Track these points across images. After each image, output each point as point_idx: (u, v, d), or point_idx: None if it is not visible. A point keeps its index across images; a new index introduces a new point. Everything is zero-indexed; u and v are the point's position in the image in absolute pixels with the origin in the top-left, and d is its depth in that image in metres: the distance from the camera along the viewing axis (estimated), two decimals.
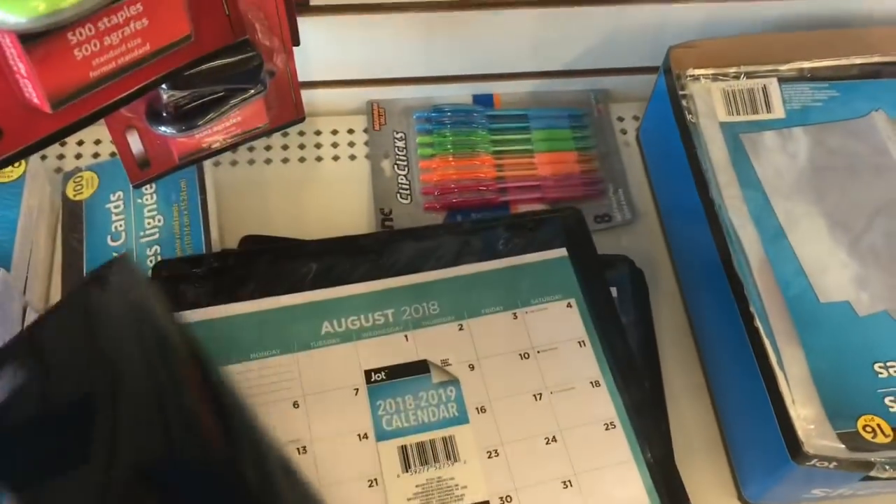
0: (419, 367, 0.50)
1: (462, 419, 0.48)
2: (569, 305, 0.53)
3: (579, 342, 0.51)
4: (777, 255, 0.53)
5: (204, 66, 0.39)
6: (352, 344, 0.50)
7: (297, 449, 0.47)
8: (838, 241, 0.54)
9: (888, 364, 0.50)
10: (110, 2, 0.26)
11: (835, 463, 0.44)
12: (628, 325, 0.55)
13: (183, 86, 0.40)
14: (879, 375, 0.49)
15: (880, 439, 0.47)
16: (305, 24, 0.58)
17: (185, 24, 0.30)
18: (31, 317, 0.53)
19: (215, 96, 0.42)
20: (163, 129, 0.42)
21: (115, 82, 0.29)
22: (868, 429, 0.47)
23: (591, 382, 0.50)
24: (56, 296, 0.55)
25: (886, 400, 0.48)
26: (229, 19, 0.32)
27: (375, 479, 0.46)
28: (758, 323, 0.49)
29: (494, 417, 0.48)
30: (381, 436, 0.48)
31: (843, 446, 0.45)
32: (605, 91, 0.67)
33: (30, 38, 0.26)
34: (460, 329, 0.51)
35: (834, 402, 0.48)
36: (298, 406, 0.48)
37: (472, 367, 0.50)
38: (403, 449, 0.47)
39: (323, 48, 0.61)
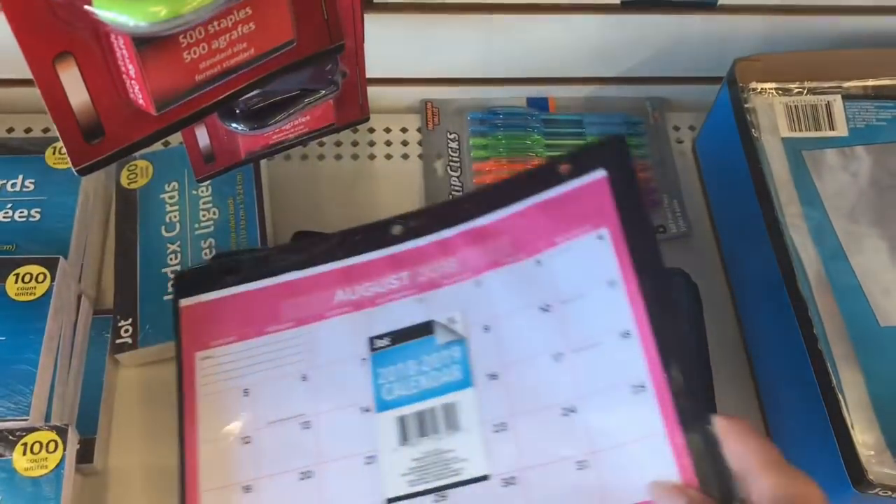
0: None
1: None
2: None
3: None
4: (837, 276, 0.53)
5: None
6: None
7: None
8: None
9: None
10: (226, 5, 0.26)
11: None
12: None
13: (262, 85, 0.39)
14: None
15: None
16: (366, 22, 0.58)
17: (290, 29, 0.30)
18: (85, 306, 0.52)
19: (289, 95, 0.42)
20: (234, 125, 0.42)
21: (217, 85, 0.29)
22: None
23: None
24: (108, 285, 0.54)
25: None
26: (327, 24, 0.32)
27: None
28: (821, 346, 0.49)
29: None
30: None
31: None
32: (662, 99, 0.66)
33: (143, 41, 0.25)
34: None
35: (894, 430, 0.47)
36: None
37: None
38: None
39: (381, 46, 0.60)
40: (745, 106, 0.58)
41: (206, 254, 0.54)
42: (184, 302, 0.49)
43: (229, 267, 0.49)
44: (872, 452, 0.46)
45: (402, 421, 0.44)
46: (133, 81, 0.28)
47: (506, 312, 0.45)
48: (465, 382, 0.44)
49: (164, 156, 0.59)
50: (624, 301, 0.42)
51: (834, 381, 0.48)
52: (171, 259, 0.55)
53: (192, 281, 0.49)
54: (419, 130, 0.65)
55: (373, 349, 0.46)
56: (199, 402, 0.47)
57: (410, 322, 0.46)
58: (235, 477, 0.44)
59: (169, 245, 0.55)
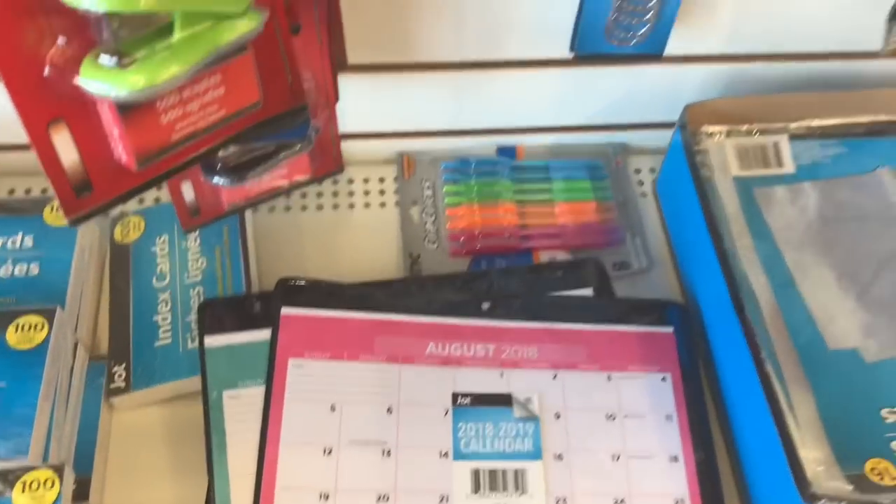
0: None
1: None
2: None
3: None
4: (787, 304, 0.56)
5: (259, 125, 0.43)
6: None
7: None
8: (846, 291, 0.57)
9: (894, 409, 0.52)
10: (200, 73, 0.30)
11: (843, 503, 0.46)
12: None
13: (238, 142, 0.43)
14: (886, 420, 0.52)
15: (887, 482, 0.49)
16: (343, 81, 0.62)
17: (256, 92, 0.33)
18: (81, 353, 0.56)
19: (265, 151, 0.46)
20: (216, 180, 0.46)
21: (192, 143, 0.33)
22: (875, 471, 0.49)
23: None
24: (103, 335, 0.58)
25: (893, 444, 0.50)
26: (291, 87, 0.36)
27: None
28: (769, 368, 0.52)
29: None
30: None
31: (850, 487, 0.47)
32: (624, 144, 0.71)
33: (125, 107, 0.29)
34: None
35: (842, 446, 0.50)
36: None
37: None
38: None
39: (358, 102, 0.65)
40: (697, 148, 0.62)
41: (193, 302, 0.58)
42: (285, 310, 0.54)
43: (333, 291, 0.55)
44: (822, 467, 0.49)
45: (476, 473, 0.51)
46: (117, 142, 0.31)
47: (576, 407, 0.54)
48: (536, 455, 0.52)
49: (156, 211, 0.63)
50: (676, 433, 0.54)
51: (785, 401, 0.51)
52: (161, 307, 0.58)
53: (295, 292, 0.54)
54: (396, 180, 0.69)
55: (455, 404, 0.53)
56: (286, 404, 0.51)
57: (490, 390, 0.54)
58: (314, 482, 0.49)
59: (160, 294, 0.59)
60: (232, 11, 0.29)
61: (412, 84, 0.64)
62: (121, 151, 0.31)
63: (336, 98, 0.54)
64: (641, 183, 0.70)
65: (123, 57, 0.28)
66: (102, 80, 0.28)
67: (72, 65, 0.28)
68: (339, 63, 0.59)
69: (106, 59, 0.28)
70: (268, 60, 0.34)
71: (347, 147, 0.69)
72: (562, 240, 0.65)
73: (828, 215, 0.61)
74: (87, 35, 0.28)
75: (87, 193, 0.32)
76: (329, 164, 0.52)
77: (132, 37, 0.28)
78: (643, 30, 0.54)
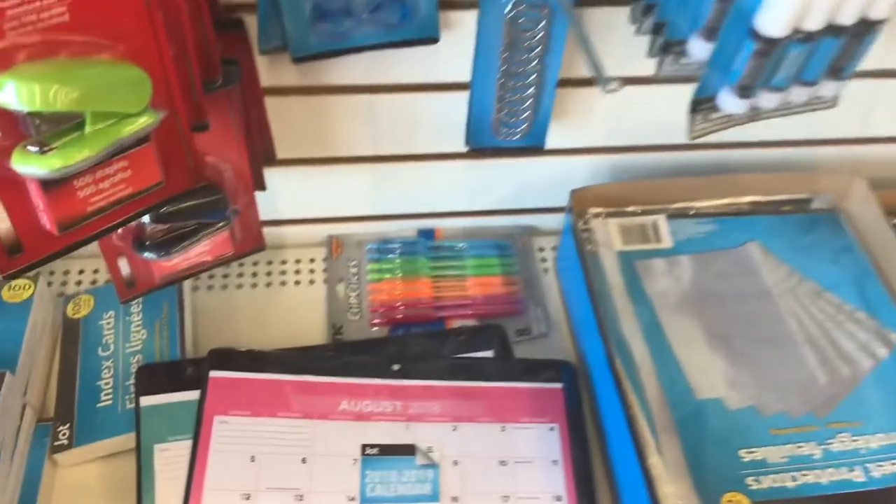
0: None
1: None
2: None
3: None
4: (661, 360, 0.63)
5: (181, 205, 0.51)
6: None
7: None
8: (714, 349, 0.65)
9: (751, 450, 0.59)
10: (106, 158, 0.38)
11: None
12: None
13: (162, 220, 0.52)
14: (743, 459, 0.59)
15: None
16: (274, 173, 0.71)
17: (158, 174, 0.42)
18: (29, 414, 0.62)
19: (188, 229, 0.54)
20: (146, 255, 0.54)
21: (105, 215, 0.41)
22: (731, 502, 0.56)
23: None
24: (52, 397, 0.64)
25: (748, 479, 0.57)
26: (191, 169, 0.44)
27: None
28: (639, 415, 0.59)
29: None
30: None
31: None
32: (530, 227, 0.79)
33: (48, 183, 0.37)
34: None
35: (703, 482, 0.57)
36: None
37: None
38: None
39: (289, 192, 0.74)
40: (584, 227, 0.71)
41: (134, 368, 0.65)
42: (214, 373, 0.61)
43: (258, 358, 0.62)
44: (681, 501, 0.55)
45: None
46: (42, 212, 0.39)
47: (472, 455, 0.61)
48: (434, 498, 0.58)
49: (104, 290, 0.70)
50: (561, 476, 0.61)
51: (653, 444, 0.58)
52: (104, 373, 0.65)
53: (223, 357, 0.61)
54: (324, 260, 0.77)
55: (364, 454, 0.59)
56: (210, 455, 0.57)
57: (396, 441, 0.60)
58: None
59: (104, 362, 0.66)
60: (132, 111, 0.38)
61: (337, 175, 0.73)
62: (45, 220, 0.39)
63: (261, 187, 0.62)
64: (545, 260, 0.78)
65: (45, 146, 0.37)
66: (28, 164, 0.37)
67: (6, 153, 0.36)
68: (267, 158, 0.68)
69: (31, 148, 0.36)
70: (170, 149, 0.42)
71: (282, 232, 0.78)
72: (471, 310, 0.72)
73: (701, 284, 0.69)
74: (18, 130, 0.36)
75: (18, 254, 0.40)
76: (251, 242, 0.60)
77: (53, 131, 0.37)
78: (523, 126, 0.63)
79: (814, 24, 0.42)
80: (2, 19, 0.33)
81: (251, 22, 0.57)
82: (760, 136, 0.74)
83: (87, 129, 0.37)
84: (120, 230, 0.53)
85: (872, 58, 0.65)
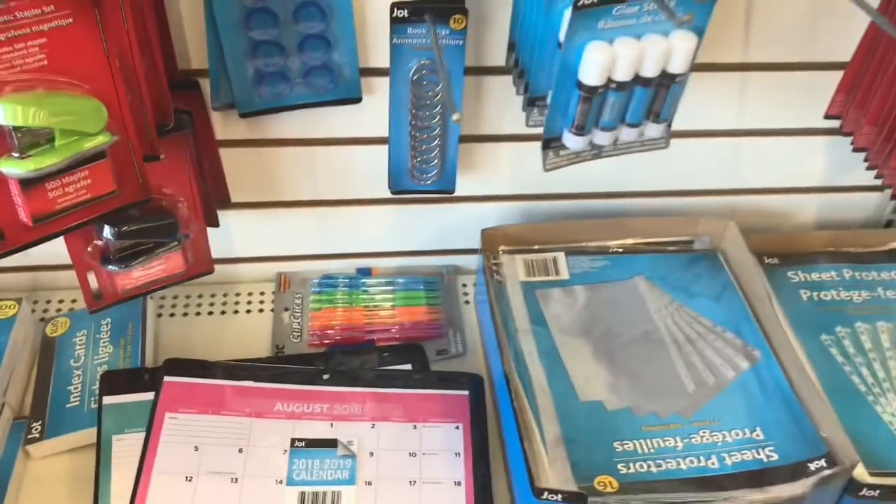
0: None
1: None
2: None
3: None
4: (553, 371, 0.74)
5: (140, 226, 0.63)
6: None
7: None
8: (598, 361, 0.76)
9: (623, 442, 0.69)
10: (71, 167, 0.50)
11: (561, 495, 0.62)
12: None
13: (124, 237, 0.64)
14: (616, 450, 0.69)
15: (609, 490, 0.65)
16: (229, 215, 0.84)
17: (112, 184, 0.54)
18: (7, 412, 0.73)
19: (146, 247, 0.66)
20: (110, 267, 0.66)
21: (69, 214, 0.53)
22: (601, 484, 0.66)
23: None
24: (29, 402, 0.75)
25: (619, 466, 0.67)
26: (141, 185, 0.56)
27: None
28: (527, 410, 0.69)
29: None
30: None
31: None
32: (455, 266, 0.91)
33: (26, 182, 0.50)
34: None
35: (580, 468, 0.67)
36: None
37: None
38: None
39: (243, 232, 0.86)
40: (495, 261, 0.82)
41: (98, 375, 0.76)
42: (168, 378, 0.71)
43: (207, 366, 0.73)
44: (559, 477, 0.65)
45: (302, 495, 0.67)
46: (20, 207, 0.51)
47: (386, 448, 0.71)
48: (351, 482, 0.69)
49: (79, 314, 0.82)
50: (461, 465, 0.70)
51: (538, 434, 0.68)
52: (74, 380, 0.76)
53: (178, 366, 0.72)
54: (273, 293, 0.89)
55: (293, 446, 0.70)
56: (160, 445, 0.68)
57: (322, 436, 0.71)
58: (176, 502, 0.65)
59: (74, 371, 0.77)
60: (92, 131, 0.50)
61: (284, 218, 0.85)
62: (22, 213, 0.51)
63: (214, 223, 0.75)
64: (467, 294, 0.90)
65: (23, 153, 0.49)
66: (10, 166, 0.49)
67: None
68: (222, 200, 0.80)
69: (14, 154, 0.49)
70: (123, 166, 0.54)
71: (237, 269, 0.89)
72: (397, 334, 0.84)
73: (591, 309, 0.80)
74: (5, 142, 0.49)
75: (1, 241, 0.51)
76: (202, 265, 0.72)
77: (30, 142, 0.49)
78: (434, 172, 0.76)
79: (622, 76, 0.55)
80: None
81: (207, 84, 0.70)
82: (649, 187, 0.87)
83: (57, 142, 0.49)
84: (89, 248, 0.65)
85: (742, 118, 0.80)
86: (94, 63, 0.50)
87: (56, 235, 0.53)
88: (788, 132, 0.83)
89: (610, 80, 0.56)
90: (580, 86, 0.56)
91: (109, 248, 0.65)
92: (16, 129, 0.48)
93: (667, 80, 0.56)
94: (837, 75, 0.76)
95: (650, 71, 0.55)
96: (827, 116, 0.80)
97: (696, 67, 0.74)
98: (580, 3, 0.51)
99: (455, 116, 0.55)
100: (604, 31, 0.54)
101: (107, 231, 0.62)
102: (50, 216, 0.52)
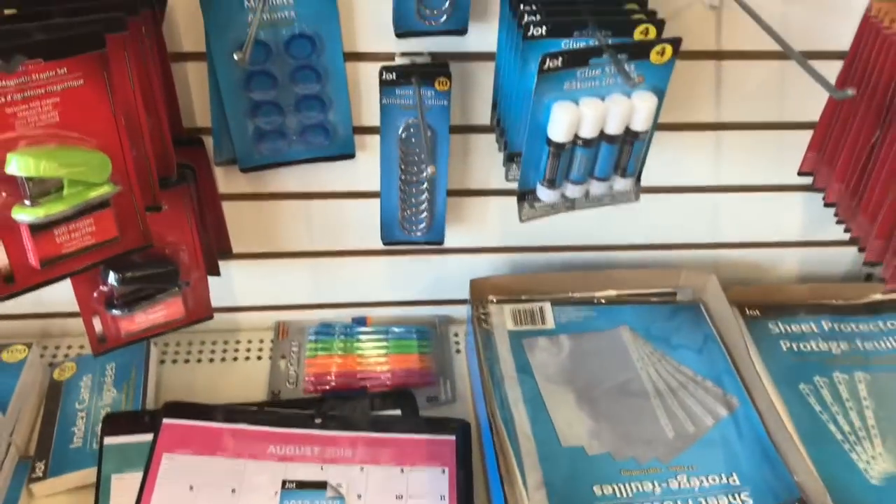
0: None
1: None
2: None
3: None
4: (536, 417, 0.77)
5: (142, 273, 0.68)
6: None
7: None
8: (581, 408, 0.78)
9: (603, 486, 0.72)
10: (78, 214, 0.55)
11: None
12: None
13: (127, 283, 0.68)
14: (595, 493, 0.71)
15: None
16: (230, 265, 0.88)
17: (115, 231, 0.58)
18: (12, 452, 0.76)
19: (147, 292, 0.70)
20: (113, 311, 0.70)
21: (74, 258, 0.57)
22: None
23: None
24: (35, 442, 0.78)
25: None
26: (142, 232, 0.60)
27: None
28: (510, 455, 0.72)
29: None
30: None
31: None
32: (447, 316, 0.95)
33: (35, 228, 0.54)
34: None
35: None
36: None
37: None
38: None
39: (244, 282, 0.90)
40: (483, 311, 0.86)
41: (102, 416, 0.79)
42: (167, 420, 0.74)
43: (204, 409, 0.76)
44: None
45: None
46: (29, 251, 0.56)
47: (374, 491, 0.73)
48: None
49: (85, 359, 0.86)
50: None
51: (520, 478, 0.71)
52: (78, 422, 0.79)
53: (176, 409, 0.75)
54: (272, 341, 0.92)
55: (283, 487, 0.73)
56: (156, 484, 0.71)
57: (313, 479, 0.74)
58: None
59: (79, 413, 0.80)
60: (97, 181, 0.55)
61: (283, 268, 0.89)
62: (32, 257, 0.56)
63: (215, 272, 0.79)
64: (458, 343, 0.93)
65: (34, 201, 0.54)
66: (22, 213, 0.53)
67: (9, 206, 0.53)
68: (224, 251, 0.84)
69: (25, 203, 0.53)
70: (126, 215, 0.59)
71: (237, 317, 0.93)
72: (389, 381, 0.87)
73: (576, 357, 0.83)
74: (18, 191, 0.53)
75: (11, 283, 0.56)
76: (201, 311, 0.76)
77: (41, 190, 0.54)
78: (423, 224, 0.80)
79: (587, 133, 0.60)
80: (14, 119, 0.51)
81: (210, 141, 0.75)
82: (632, 240, 0.91)
83: (65, 191, 0.54)
84: (94, 294, 0.69)
85: (719, 174, 0.83)
86: (101, 120, 0.55)
87: (61, 278, 0.57)
88: (765, 188, 0.87)
89: (577, 137, 0.60)
90: (549, 142, 0.60)
91: (113, 294, 0.69)
92: (28, 178, 0.52)
93: (630, 136, 0.61)
94: (809, 133, 0.80)
95: (614, 128, 0.60)
96: (800, 173, 0.83)
97: (672, 126, 0.79)
98: (545, 67, 0.55)
99: (429, 170, 0.59)
100: (570, 92, 0.58)
101: (111, 277, 0.66)
102: (56, 260, 0.56)
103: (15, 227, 0.54)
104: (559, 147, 0.60)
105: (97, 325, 0.71)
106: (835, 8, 0.74)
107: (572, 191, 0.63)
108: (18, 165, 0.51)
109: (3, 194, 0.53)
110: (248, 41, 0.58)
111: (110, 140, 0.55)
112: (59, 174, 0.52)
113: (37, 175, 0.52)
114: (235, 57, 0.56)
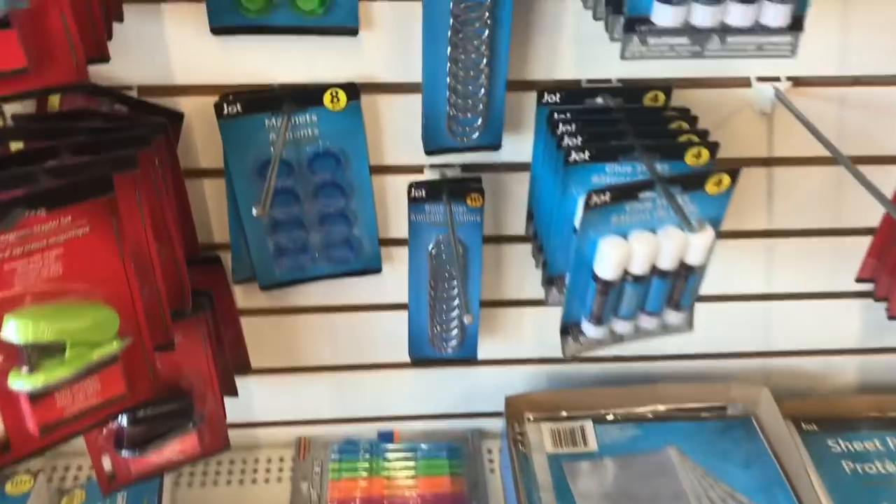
0: None
1: None
2: None
3: None
4: None
5: (154, 411, 0.62)
6: None
7: None
8: None
9: None
10: (81, 377, 0.50)
11: None
12: None
13: (138, 423, 0.63)
14: None
15: None
16: (249, 381, 0.83)
17: (122, 387, 0.53)
18: None
19: (160, 432, 0.65)
20: (124, 453, 0.64)
21: (76, 420, 0.52)
22: None
23: None
24: None
25: None
26: (152, 381, 0.55)
27: None
28: None
29: None
30: None
31: None
32: (479, 430, 0.89)
33: (33, 396, 0.49)
34: None
35: None
36: None
37: None
38: None
39: (263, 397, 0.85)
40: (519, 431, 0.80)
41: None
42: None
43: None
44: None
45: None
46: (27, 418, 0.51)
47: None
48: None
49: (95, 485, 0.80)
50: None
51: None
52: None
53: None
54: (293, 459, 0.87)
55: None
56: None
57: None
58: None
59: None
60: (103, 340, 0.50)
61: (304, 382, 0.84)
62: (30, 424, 0.51)
63: (230, 394, 0.74)
64: (492, 461, 0.87)
65: (33, 367, 0.49)
66: (20, 381, 0.49)
67: (5, 373, 0.48)
68: (242, 368, 0.79)
69: (23, 369, 0.49)
70: (134, 366, 0.54)
71: (255, 433, 0.88)
72: None
73: (621, 484, 0.77)
74: (15, 356, 0.49)
75: (7, 452, 0.51)
76: (218, 442, 0.71)
77: (40, 355, 0.49)
78: (454, 341, 0.75)
79: (638, 269, 0.54)
80: (13, 275, 0.47)
81: (228, 256, 0.71)
82: (679, 350, 0.85)
83: (67, 354, 0.49)
84: (104, 431, 0.64)
85: (771, 282, 0.78)
86: (108, 268, 0.50)
87: (62, 442, 0.52)
88: (820, 295, 0.81)
89: (626, 273, 0.54)
90: (596, 279, 0.55)
91: (123, 434, 0.64)
92: (25, 345, 0.48)
93: (685, 270, 0.55)
94: (866, 240, 0.75)
95: (667, 264, 0.54)
96: (859, 280, 0.78)
97: (723, 235, 0.73)
98: (591, 202, 0.50)
99: (466, 319, 0.54)
100: (618, 226, 0.53)
101: (121, 417, 0.61)
102: (57, 425, 0.51)
103: (11, 394, 0.49)
104: (607, 285, 0.54)
105: (106, 464, 0.65)
106: (893, 111, 0.69)
107: (621, 327, 0.57)
108: (17, 331, 0.46)
109: (0, 357, 0.48)
110: (266, 191, 0.53)
111: (119, 287, 0.51)
112: (61, 337, 0.48)
113: (35, 341, 0.47)
114: (254, 211, 0.51)
